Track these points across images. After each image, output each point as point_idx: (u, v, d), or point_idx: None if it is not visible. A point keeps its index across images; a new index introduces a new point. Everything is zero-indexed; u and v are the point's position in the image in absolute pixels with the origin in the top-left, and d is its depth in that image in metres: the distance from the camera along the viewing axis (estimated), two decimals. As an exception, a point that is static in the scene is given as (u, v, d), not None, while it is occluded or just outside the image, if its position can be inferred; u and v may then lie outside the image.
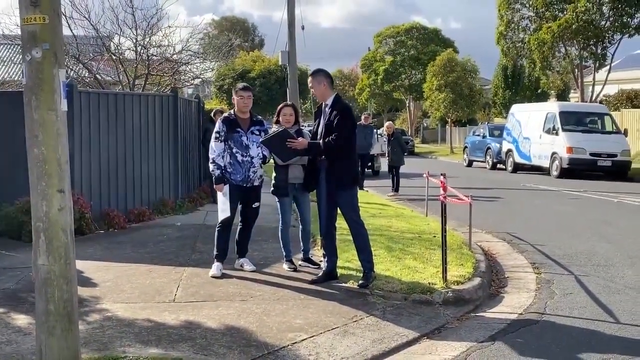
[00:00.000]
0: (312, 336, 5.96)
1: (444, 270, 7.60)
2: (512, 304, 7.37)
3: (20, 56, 17.44)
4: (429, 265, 8.37)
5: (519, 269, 9.13)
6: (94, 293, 7.20)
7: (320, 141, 7.54)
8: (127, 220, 11.60)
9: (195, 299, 7.05)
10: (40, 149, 4.61)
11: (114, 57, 15.75)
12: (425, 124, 68.91)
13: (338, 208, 7.73)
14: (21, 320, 6.29)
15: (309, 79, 7.81)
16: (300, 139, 7.67)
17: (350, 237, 7.85)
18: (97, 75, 15.87)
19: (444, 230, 7.78)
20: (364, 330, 6.22)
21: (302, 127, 8.80)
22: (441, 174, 8.82)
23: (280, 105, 8.50)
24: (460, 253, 9.19)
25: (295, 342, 5.80)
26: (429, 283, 7.52)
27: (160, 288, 7.45)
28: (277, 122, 8.33)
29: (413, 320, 6.61)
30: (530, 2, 34.05)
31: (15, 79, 18.84)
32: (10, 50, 19.07)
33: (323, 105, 7.71)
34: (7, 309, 6.63)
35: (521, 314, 6.94)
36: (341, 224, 7.94)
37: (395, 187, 18.74)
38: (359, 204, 13.58)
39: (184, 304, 6.87)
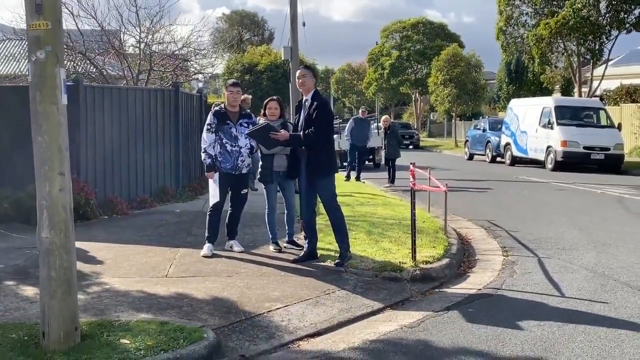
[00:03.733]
0: (286, 305, 6.71)
1: (414, 251, 8.33)
2: (475, 282, 8.10)
3: (25, 51, 18.20)
4: (404, 247, 9.08)
5: (490, 252, 9.83)
6: (94, 269, 7.96)
7: (301, 133, 8.27)
8: (130, 207, 12.39)
9: (185, 274, 7.82)
10: (44, 137, 5.36)
11: (118, 53, 16.53)
12: (432, 118, 69.53)
13: (318, 194, 8.48)
14: (28, 291, 7.05)
15: (303, 72, 8.51)
16: (282, 131, 8.42)
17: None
18: (103, 71, 16.67)
19: (413, 215, 8.49)
20: (334, 302, 6.96)
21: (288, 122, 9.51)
22: (411, 163, 9.53)
23: (267, 100, 9.25)
24: (435, 237, 9.90)
25: (271, 310, 6.55)
26: (400, 262, 8.25)
27: (155, 265, 8.22)
28: (265, 114, 9.09)
29: (380, 294, 7.35)
30: (529, -1, 34.65)
31: (26, 73, 19.58)
32: (21, 47, 19.85)
33: (303, 100, 8.45)
34: (17, 282, 7.41)
35: (479, 289, 7.67)
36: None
37: (391, 179, 19.43)
38: (353, 194, 14.41)
39: (175, 278, 7.63)
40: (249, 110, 9.39)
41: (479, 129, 34.08)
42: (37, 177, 5.42)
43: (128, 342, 5.43)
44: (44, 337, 5.35)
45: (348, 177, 19.92)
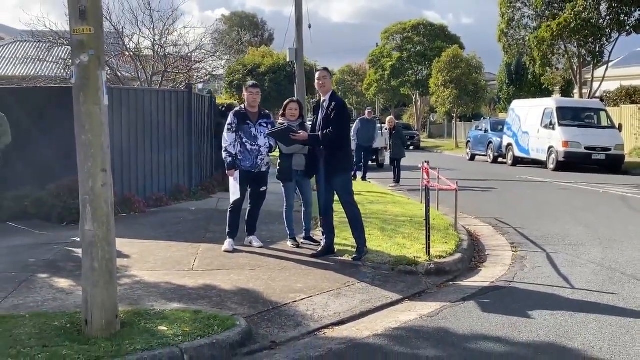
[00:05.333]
0: (310, 296, 7.05)
1: (428, 246, 8.68)
2: (487, 275, 8.45)
3: (45, 54, 18.43)
4: (417, 243, 9.42)
5: (499, 248, 10.18)
6: (122, 263, 8.26)
7: (319, 133, 8.62)
8: (147, 205, 12.71)
9: (210, 268, 8.16)
10: (87, 136, 5.66)
11: (132, 55, 16.87)
12: (432, 119, 69.91)
13: (334, 191, 8.82)
14: (62, 283, 7.39)
15: (324, 74, 8.88)
16: (301, 132, 8.78)
17: (348, 219, 8.92)
18: (118, 72, 17.01)
19: (427, 211, 8.84)
20: (355, 293, 7.31)
21: (306, 123, 9.86)
22: (425, 161, 9.87)
23: (287, 101, 9.59)
24: (447, 233, 10.25)
25: (296, 301, 6.89)
26: (415, 257, 8.60)
27: (179, 260, 8.56)
28: (283, 115, 9.43)
29: (398, 286, 7.69)
30: (531, 1, 35.00)
31: (41, 75, 19.97)
32: (37, 49, 20.21)
33: (321, 101, 8.80)
34: (50, 275, 7.75)
35: (492, 282, 8.02)
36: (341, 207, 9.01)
37: (397, 179, 19.78)
38: (361, 192, 14.75)
39: (201, 271, 7.97)
40: (267, 111, 9.74)
41: (481, 129, 34.39)
42: (81, 173, 5.71)
43: (165, 329, 5.76)
44: (86, 325, 5.64)
45: (354, 177, 20.21)
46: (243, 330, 5.86)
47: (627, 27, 32.11)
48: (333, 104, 8.62)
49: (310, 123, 9.31)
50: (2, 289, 7.07)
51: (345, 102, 9.57)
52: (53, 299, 6.81)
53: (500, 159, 30.89)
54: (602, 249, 9.83)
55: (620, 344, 5.70)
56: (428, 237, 8.74)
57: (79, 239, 6.15)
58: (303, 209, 9.63)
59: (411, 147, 45.10)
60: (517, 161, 29.01)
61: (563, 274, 8.25)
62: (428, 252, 8.65)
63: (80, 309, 5.83)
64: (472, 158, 34.20)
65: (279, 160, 9.40)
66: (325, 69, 9.17)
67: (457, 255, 8.95)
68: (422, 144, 50.66)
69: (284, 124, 9.09)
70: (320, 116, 8.76)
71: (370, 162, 23.36)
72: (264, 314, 6.49)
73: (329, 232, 8.96)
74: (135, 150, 12.99)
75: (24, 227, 10.59)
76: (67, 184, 10.59)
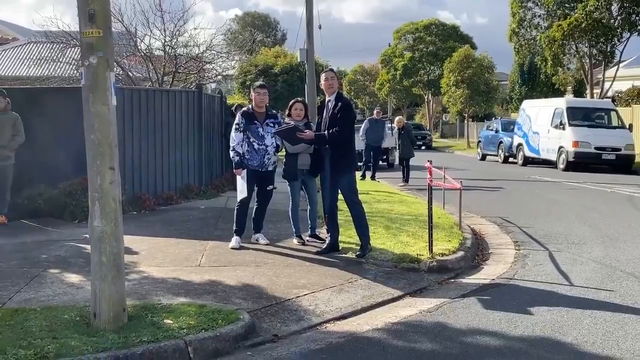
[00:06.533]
0: (313, 292, 7.23)
1: (430, 243, 8.84)
2: (488, 273, 8.60)
3: (58, 55, 18.63)
4: (420, 241, 9.58)
5: (503, 246, 10.32)
6: (131, 259, 8.46)
7: (325, 132, 8.79)
8: (157, 203, 12.93)
9: (217, 264, 8.36)
10: (96, 135, 5.85)
11: (144, 56, 17.10)
12: (444, 119, 69.91)
13: (339, 190, 8.99)
14: (73, 278, 7.60)
15: (331, 74, 9.09)
16: (307, 131, 8.97)
17: (353, 217, 9.10)
18: (129, 73, 17.25)
19: (430, 210, 8.99)
20: (357, 289, 7.48)
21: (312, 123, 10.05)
22: (428, 161, 10.04)
23: (292, 101, 9.77)
24: (451, 232, 10.40)
25: (299, 296, 7.07)
26: (418, 254, 8.77)
27: (187, 256, 8.76)
28: (289, 115, 9.62)
29: (400, 282, 7.86)
30: (542, 1, 35.03)
31: (55, 75, 20.27)
32: (50, 50, 20.49)
33: (327, 101, 8.98)
34: (61, 270, 7.96)
35: (493, 279, 8.17)
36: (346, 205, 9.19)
37: (406, 178, 19.90)
38: (370, 192, 14.91)
39: (207, 268, 8.16)
40: (274, 111, 9.93)
41: (492, 129, 34.47)
42: (90, 171, 5.90)
43: (171, 322, 5.95)
44: (95, 318, 5.84)
45: (363, 177, 20.38)
46: (246, 324, 6.04)
47: (639, 27, 32.08)
48: (339, 104, 8.79)
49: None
50: (14, 283, 7.30)
51: (351, 102, 9.75)
52: (63, 293, 7.01)
53: (511, 159, 30.94)
54: (604, 248, 9.95)
55: (613, 339, 5.84)
56: (431, 235, 8.90)
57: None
58: (308, 207, 9.81)
59: (423, 147, 45.25)
60: (527, 161, 29.05)
61: (563, 272, 8.39)
62: (431, 250, 8.80)
63: (89, 302, 6.04)
64: (483, 158, 34.29)
65: (284, 159, 9.58)
66: (332, 70, 9.39)
67: (460, 253, 9.11)
68: (434, 144, 50.80)
69: (289, 123, 9.28)
70: (325, 115, 8.93)
71: (380, 162, 23.52)
72: (268, 308, 6.67)
73: (334, 230, 9.13)
74: (146, 150, 13.21)
75: (36, 225, 10.83)
76: (80, 182, 10.82)
